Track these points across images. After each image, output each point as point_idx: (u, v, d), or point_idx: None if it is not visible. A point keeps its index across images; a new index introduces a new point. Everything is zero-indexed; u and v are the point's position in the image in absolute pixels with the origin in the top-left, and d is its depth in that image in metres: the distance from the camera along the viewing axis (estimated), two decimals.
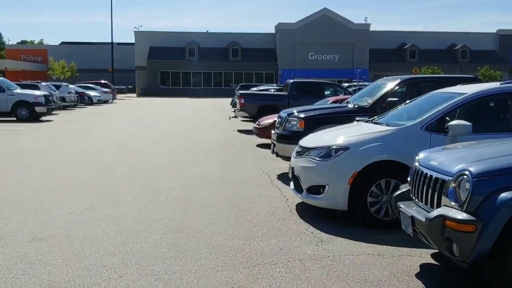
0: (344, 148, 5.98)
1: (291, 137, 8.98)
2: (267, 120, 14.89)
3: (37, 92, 23.92)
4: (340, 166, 5.96)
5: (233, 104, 31.63)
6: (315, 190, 6.14)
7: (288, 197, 7.63)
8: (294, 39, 64.39)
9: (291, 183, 6.96)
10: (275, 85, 35.94)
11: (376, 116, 7.37)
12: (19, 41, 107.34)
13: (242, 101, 19.35)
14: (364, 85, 31.97)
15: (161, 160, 11.47)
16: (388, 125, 6.39)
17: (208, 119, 24.66)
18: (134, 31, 68.89)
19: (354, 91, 20.35)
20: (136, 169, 10.19)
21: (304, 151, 6.48)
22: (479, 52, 66.14)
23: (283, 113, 9.51)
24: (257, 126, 14.94)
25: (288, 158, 9.03)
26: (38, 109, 22.49)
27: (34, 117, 22.39)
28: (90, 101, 38.35)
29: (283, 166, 10.45)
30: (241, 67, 66.00)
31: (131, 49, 69.43)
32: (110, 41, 60.60)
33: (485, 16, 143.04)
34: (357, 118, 8.64)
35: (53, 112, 25.84)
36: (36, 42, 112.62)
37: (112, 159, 11.68)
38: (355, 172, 5.87)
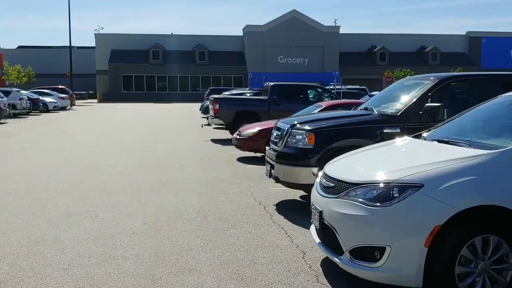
0: (414, 186, 3.68)
1: (297, 157, 6.67)
2: (250, 129, 12.56)
3: None
4: (409, 216, 3.66)
5: (203, 110, 29.20)
6: (367, 254, 3.81)
7: (303, 247, 5.31)
8: (263, 42, 62.30)
9: (313, 231, 4.64)
10: (247, 89, 33.68)
11: (429, 129, 5.11)
12: None
13: (217, 106, 16.92)
14: (339, 89, 30.14)
15: (119, 183, 8.94)
16: (470, 145, 4.14)
17: (177, 127, 22.11)
18: (95, 34, 65.37)
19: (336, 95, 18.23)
20: (80, 203, 7.64)
21: (340, 188, 4.15)
22: (449, 54, 65.58)
23: (283, 124, 7.16)
24: (238, 137, 12.58)
25: (292, 185, 6.71)
26: None
27: None
28: (45, 108, 35.06)
29: (278, 190, 8.14)
30: (208, 71, 63.39)
31: (93, 53, 65.88)
32: (70, 44, 56.91)
33: (454, 21, 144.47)
34: (385, 130, 6.40)
35: (1, 121, 22.80)
36: None
37: (53, 186, 9.07)
38: (436, 225, 3.58)
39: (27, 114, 31.45)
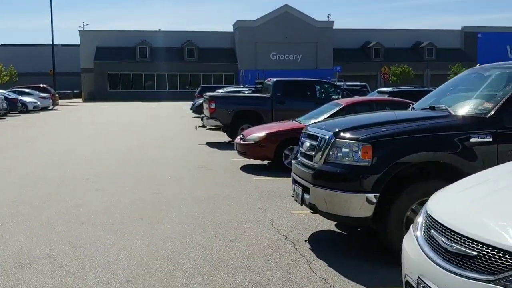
0: None
1: (346, 177, 4.68)
2: (256, 133, 10.58)
3: None
4: None
5: (194, 109, 27.17)
6: None
7: None
8: (254, 38, 60.13)
9: None
10: (242, 86, 31.65)
11: None
12: None
13: (213, 105, 14.88)
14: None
15: (96, 207, 6.88)
16: None
17: (167, 129, 20.02)
18: (79, 31, 62.60)
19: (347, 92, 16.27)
20: (40, 242, 5.59)
21: (496, 262, 2.17)
22: (445, 50, 63.94)
23: (320, 131, 5.16)
24: (242, 142, 10.57)
25: (339, 218, 4.76)
26: None
27: None
28: (24, 109, 32.69)
29: (304, 215, 6.17)
30: (198, 68, 61.08)
31: (78, 51, 63.22)
32: (52, 41, 54.33)
33: (449, 17, 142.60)
34: (472, 139, 4.46)
35: None
36: None
37: (8, 212, 6.99)
38: None
39: (4, 115, 29.11)
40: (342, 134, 4.83)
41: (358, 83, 31.69)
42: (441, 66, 59.47)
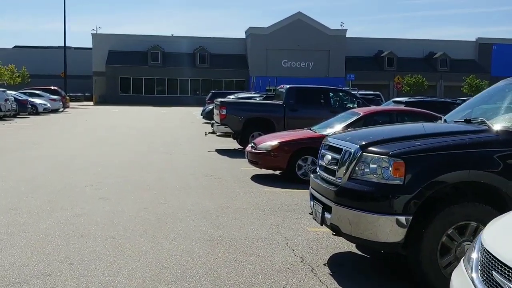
0: None
1: (376, 197, 4.19)
2: (268, 141, 10.09)
3: None
4: None
5: (205, 115, 26.76)
6: None
7: None
8: (266, 45, 59.79)
9: None
10: (253, 92, 31.23)
11: None
12: None
13: (224, 111, 14.43)
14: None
15: (97, 218, 6.42)
16: None
17: (176, 134, 19.60)
18: (92, 34, 62.67)
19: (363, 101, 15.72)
20: (34, 257, 5.14)
21: None
22: (459, 61, 63.18)
23: (344, 143, 4.67)
24: (253, 151, 10.10)
25: (366, 242, 4.26)
26: None
27: None
28: (34, 110, 32.47)
29: (321, 232, 5.65)
30: (209, 74, 60.79)
31: (90, 54, 63.25)
32: (64, 44, 54.31)
33: (463, 28, 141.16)
34: None
35: None
36: None
37: (4, 222, 6.55)
38: None
39: (14, 116, 28.92)
40: (370, 147, 4.34)
41: (371, 92, 31.14)
42: (455, 77, 58.78)
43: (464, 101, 26.39)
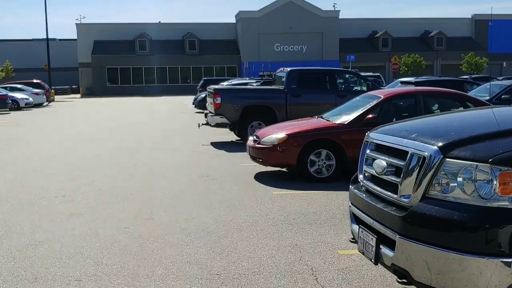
0: None
1: (473, 228, 2.64)
2: (273, 133, 8.54)
3: None
4: None
5: (197, 104, 25.12)
6: None
7: None
8: (257, 29, 57.87)
9: None
10: (247, 78, 29.55)
11: None
12: None
13: (218, 100, 12.84)
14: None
15: (63, 246, 4.88)
16: None
17: (168, 126, 17.98)
18: (76, 24, 60.43)
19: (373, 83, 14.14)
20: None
21: None
22: (455, 39, 61.58)
23: (411, 143, 3.11)
24: (257, 145, 8.53)
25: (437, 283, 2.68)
26: None
27: None
28: (16, 106, 30.64)
29: (356, 257, 4.14)
30: (199, 61, 58.83)
31: (75, 45, 61.04)
32: (47, 35, 52.08)
33: (457, 6, 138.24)
34: None
35: None
36: None
37: None
38: None
39: None
40: (455, 150, 2.80)
41: (371, 74, 29.53)
42: (452, 56, 57.24)
43: (478, 79, 24.16)
